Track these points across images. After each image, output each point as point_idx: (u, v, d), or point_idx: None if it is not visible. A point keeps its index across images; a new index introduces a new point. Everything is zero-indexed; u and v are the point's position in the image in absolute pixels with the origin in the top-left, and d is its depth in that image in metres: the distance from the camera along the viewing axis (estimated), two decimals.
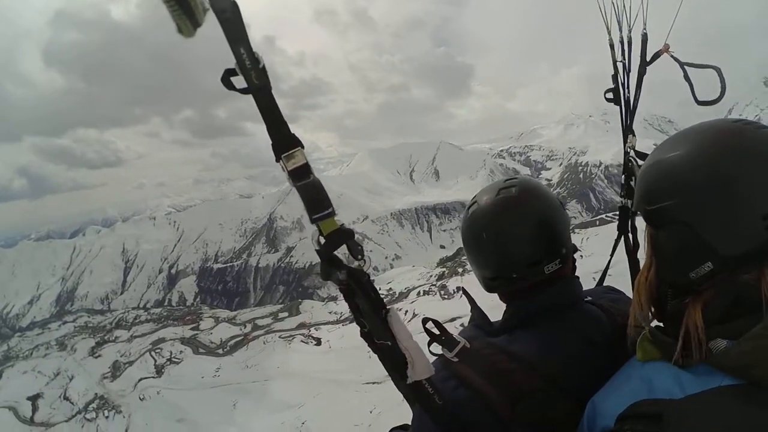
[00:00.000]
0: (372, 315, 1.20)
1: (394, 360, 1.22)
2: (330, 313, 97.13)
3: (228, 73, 1.02)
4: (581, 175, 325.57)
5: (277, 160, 1.09)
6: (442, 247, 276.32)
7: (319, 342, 79.42)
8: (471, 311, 1.67)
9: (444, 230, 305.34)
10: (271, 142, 1.07)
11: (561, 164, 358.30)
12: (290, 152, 1.07)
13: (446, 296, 78.97)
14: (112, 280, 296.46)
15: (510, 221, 1.53)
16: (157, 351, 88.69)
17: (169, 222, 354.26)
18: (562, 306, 1.52)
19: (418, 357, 1.21)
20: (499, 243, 1.53)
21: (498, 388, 1.29)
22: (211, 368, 78.35)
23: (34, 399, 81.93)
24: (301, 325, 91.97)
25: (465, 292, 1.74)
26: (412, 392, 1.27)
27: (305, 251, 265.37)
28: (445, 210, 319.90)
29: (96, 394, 78.95)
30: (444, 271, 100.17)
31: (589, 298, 1.66)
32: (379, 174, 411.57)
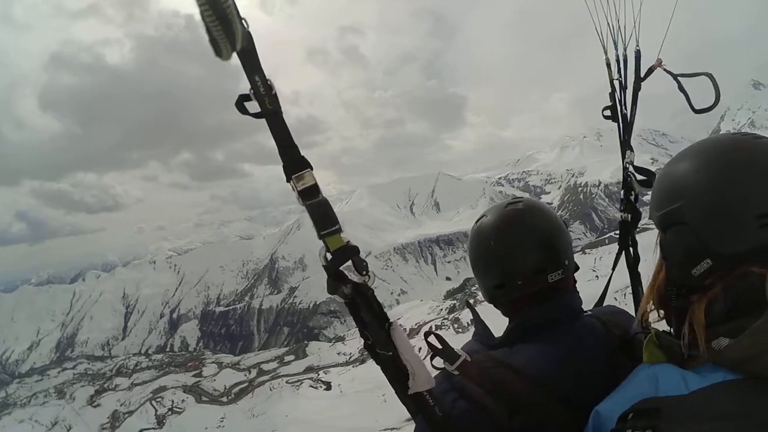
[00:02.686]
0: (376, 327, 1.26)
1: (396, 371, 1.27)
2: (339, 354, 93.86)
3: (242, 98, 1.11)
4: (581, 196, 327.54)
5: (288, 181, 1.17)
6: (448, 279, 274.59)
7: (329, 386, 76.05)
8: (474, 325, 1.72)
9: (449, 262, 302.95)
10: (282, 163, 1.16)
11: (560, 187, 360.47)
12: (300, 173, 1.16)
13: (460, 329, 76.65)
14: (112, 326, 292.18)
15: (518, 230, 1.61)
16: (158, 400, 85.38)
17: (170, 266, 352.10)
18: (563, 318, 1.56)
19: (419, 369, 1.26)
20: (507, 250, 1.59)
21: (496, 399, 1.32)
22: (215, 418, 74.54)
23: None
24: (309, 369, 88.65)
25: (469, 305, 1.80)
26: (414, 403, 1.31)
27: (309, 291, 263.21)
28: (449, 241, 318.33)
29: None
30: (455, 304, 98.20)
31: (588, 312, 1.72)
32: (379, 209, 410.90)
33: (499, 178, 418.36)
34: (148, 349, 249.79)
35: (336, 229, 1.19)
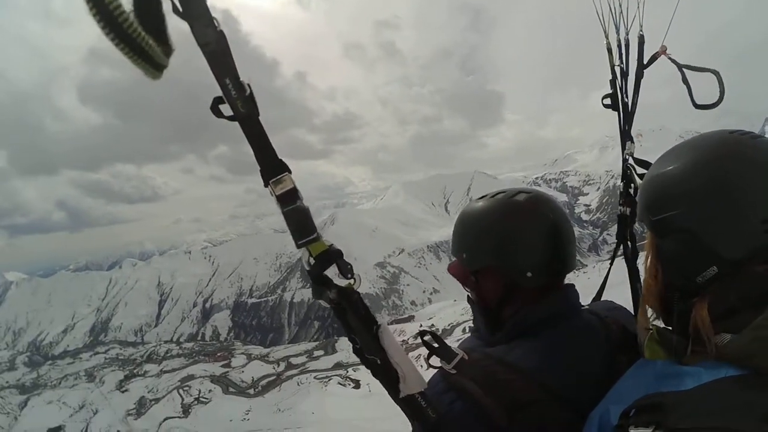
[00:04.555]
0: (363, 331, 1.24)
1: (386, 375, 1.25)
2: None
3: (217, 101, 1.05)
4: None
5: (266, 185, 1.11)
6: None
7: (357, 384, 72.84)
8: (473, 320, 1.69)
9: None
10: (259, 168, 1.10)
11: (599, 188, 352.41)
12: (278, 177, 1.10)
13: None
14: (146, 313, 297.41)
15: (557, 215, 1.57)
16: (185, 388, 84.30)
17: (205, 256, 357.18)
18: (562, 315, 1.53)
19: (409, 371, 1.23)
20: (559, 232, 1.55)
21: (495, 399, 1.29)
22: (240, 410, 72.71)
23: (55, 431, 79.04)
24: (338, 365, 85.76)
25: (470, 300, 1.72)
26: (406, 406, 1.29)
27: None
28: None
29: (118, 431, 74.30)
30: None
31: (586, 307, 1.70)
32: (413, 206, 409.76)
33: (536, 178, 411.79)
34: (179, 336, 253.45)
35: (314, 238, 1.15)
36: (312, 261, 1.18)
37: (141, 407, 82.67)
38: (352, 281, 1.22)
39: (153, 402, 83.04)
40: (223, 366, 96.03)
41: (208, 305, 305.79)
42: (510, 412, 1.27)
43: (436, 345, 1.39)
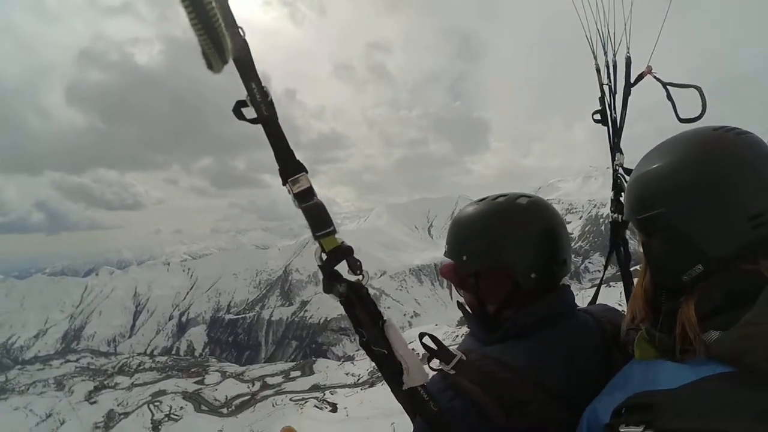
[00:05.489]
0: (371, 325, 1.30)
1: (390, 367, 1.30)
2: (347, 374, 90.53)
3: (239, 105, 1.15)
4: (603, 228, 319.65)
5: (284, 184, 1.21)
6: None
7: (334, 408, 71.40)
8: (468, 324, 1.72)
9: None
10: (278, 168, 1.20)
11: (581, 217, 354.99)
12: (296, 176, 1.20)
13: None
14: (121, 323, 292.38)
15: (558, 219, 1.63)
16: (156, 404, 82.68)
17: (184, 269, 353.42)
18: (559, 314, 1.55)
19: (413, 364, 1.27)
20: (560, 235, 1.60)
21: (493, 398, 1.30)
22: (212, 430, 71.48)
23: None
24: (315, 387, 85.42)
25: (459, 305, 1.75)
26: (409, 399, 1.32)
27: (320, 306, 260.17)
28: None
29: None
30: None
31: (582, 308, 1.74)
32: (396, 229, 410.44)
33: None
34: (153, 349, 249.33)
35: (331, 231, 1.22)
36: (324, 256, 1.25)
37: (109, 421, 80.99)
38: (361, 277, 1.28)
39: (122, 416, 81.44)
40: (196, 383, 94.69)
41: (184, 319, 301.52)
42: (507, 410, 1.28)
43: (435, 347, 1.41)
